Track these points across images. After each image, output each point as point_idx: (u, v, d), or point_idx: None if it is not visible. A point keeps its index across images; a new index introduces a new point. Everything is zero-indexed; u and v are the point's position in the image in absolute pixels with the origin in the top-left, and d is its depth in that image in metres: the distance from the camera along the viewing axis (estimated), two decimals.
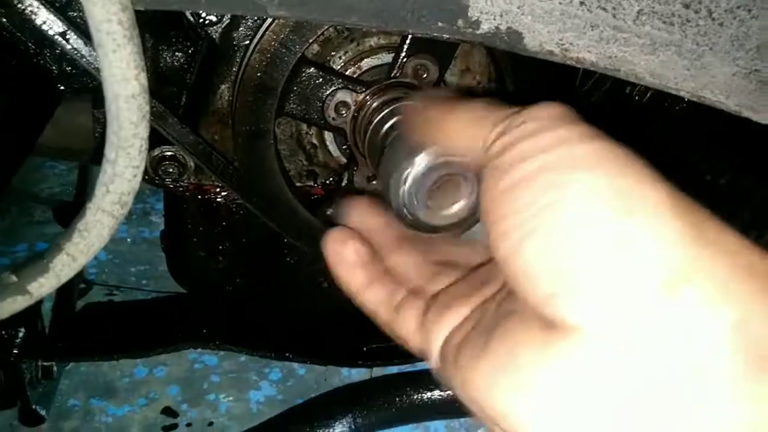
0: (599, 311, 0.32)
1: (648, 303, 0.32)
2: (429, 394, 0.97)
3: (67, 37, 0.61)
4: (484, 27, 0.55)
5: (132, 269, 2.16)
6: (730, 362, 0.30)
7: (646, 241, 0.32)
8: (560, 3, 0.54)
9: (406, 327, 0.47)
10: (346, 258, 0.50)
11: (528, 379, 0.34)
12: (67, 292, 1.19)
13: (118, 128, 0.43)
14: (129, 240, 2.37)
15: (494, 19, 0.54)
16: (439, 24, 0.54)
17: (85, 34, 0.63)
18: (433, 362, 0.45)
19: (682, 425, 0.31)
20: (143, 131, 0.44)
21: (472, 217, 0.51)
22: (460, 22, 0.54)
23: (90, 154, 1.52)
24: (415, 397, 0.97)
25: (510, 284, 0.37)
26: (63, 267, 0.45)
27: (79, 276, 1.31)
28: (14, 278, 0.43)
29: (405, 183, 0.48)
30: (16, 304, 0.43)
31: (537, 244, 0.34)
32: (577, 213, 0.34)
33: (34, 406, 0.91)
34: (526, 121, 0.39)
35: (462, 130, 0.43)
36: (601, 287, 0.32)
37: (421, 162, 0.48)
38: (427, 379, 0.98)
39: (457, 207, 0.50)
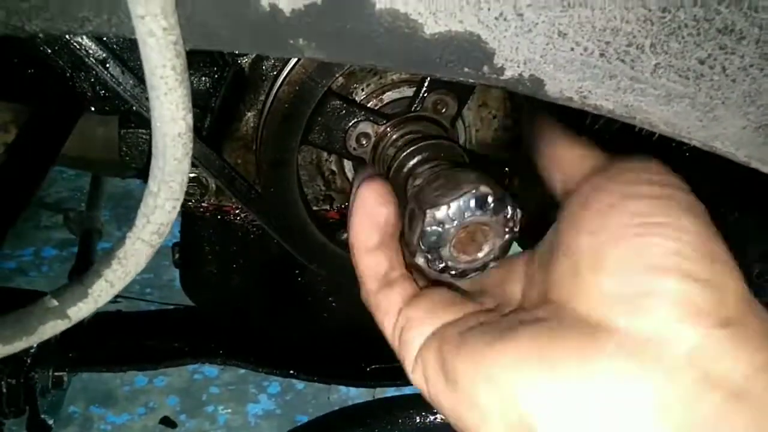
0: (660, 324, 0.37)
1: (700, 329, 0.36)
2: (432, 417, 0.98)
3: (107, 65, 0.64)
4: (508, 73, 0.57)
5: (137, 277, 2.17)
6: (762, 382, 0.35)
7: (714, 283, 0.38)
8: (581, 54, 0.56)
9: (387, 304, 0.49)
10: (371, 210, 0.50)
11: (563, 380, 0.37)
12: None
13: (163, 164, 0.45)
14: None
15: (518, 67, 0.57)
16: (466, 69, 0.56)
17: (123, 62, 0.66)
18: (406, 348, 0.46)
19: None
20: (185, 167, 0.47)
21: (493, 262, 0.53)
22: (485, 68, 0.56)
23: (105, 166, 1.55)
24: (418, 420, 0.98)
25: (567, 298, 0.41)
26: (101, 293, 0.47)
27: None
28: (55, 302, 0.45)
29: (438, 225, 0.50)
30: (57, 327, 0.45)
31: (632, 252, 0.39)
32: (671, 243, 0.40)
33: (42, 416, 0.92)
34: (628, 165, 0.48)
35: (569, 157, 0.51)
36: (667, 305, 0.37)
37: (458, 207, 0.49)
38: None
39: (483, 253, 0.52)
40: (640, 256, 0.39)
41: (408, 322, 0.47)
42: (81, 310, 0.46)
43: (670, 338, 0.36)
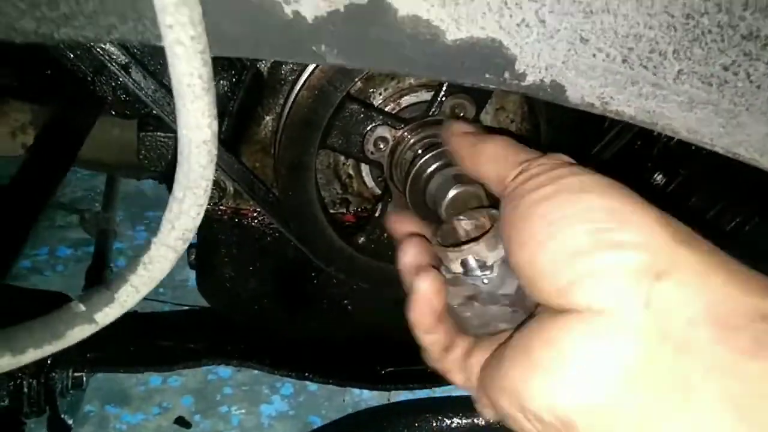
0: (606, 295, 0.41)
1: (641, 289, 0.41)
2: (448, 421, 0.98)
3: (129, 70, 0.64)
4: (529, 79, 0.57)
5: None
6: (704, 332, 0.39)
7: (638, 244, 0.42)
8: (603, 60, 0.56)
9: (451, 365, 0.58)
10: (429, 300, 0.56)
11: (538, 360, 0.44)
12: None
13: (188, 170, 0.46)
14: None
15: (539, 72, 0.57)
16: (487, 75, 0.56)
17: (144, 67, 0.66)
18: (474, 395, 0.55)
19: (673, 388, 0.39)
20: (210, 173, 0.47)
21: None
22: (506, 74, 0.56)
23: (121, 167, 1.56)
24: (434, 424, 0.98)
25: (527, 288, 0.47)
26: (127, 297, 0.48)
27: None
28: (83, 308, 0.46)
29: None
30: (84, 332, 0.45)
31: (556, 247, 0.44)
32: (586, 224, 0.44)
33: (62, 416, 0.93)
34: (543, 161, 0.52)
35: (490, 162, 0.55)
36: (607, 277, 0.42)
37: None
38: (448, 406, 0.99)
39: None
40: (564, 247, 0.44)
41: (470, 373, 0.55)
42: (108, 315, 0.46)
43: (620, 305, 0.41)
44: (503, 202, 0.51)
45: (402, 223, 0.65)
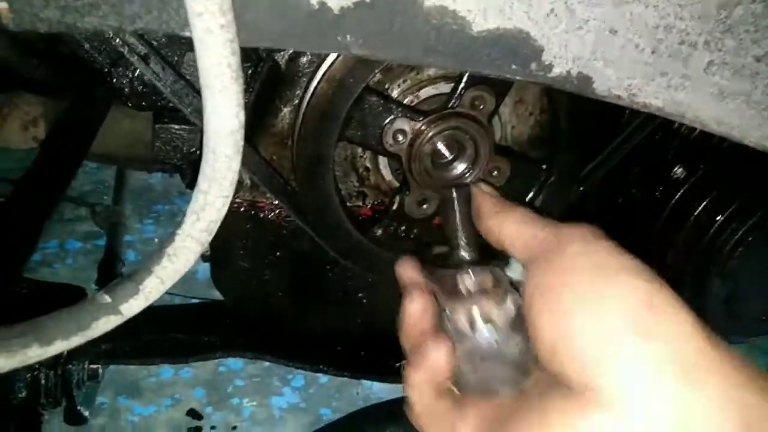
0: (631, 381, 0.41)
1: (665, 382, 0.40)
2: None
3: (148, 61, 0.64)
4: (556, 71, 0.56)
5: None
6: None
7: (669, 337, 0.42)
8: (632, 51, 0.55)
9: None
10: (440, 368, 0.55)
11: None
12: None
13: (214, 161, 0.45)
14: (156, 241, 2.41)
15: (566, 64, 0.56)
16: (513, 66, 0.55)
17: (164, 58, 0.66)
18: None
19: None
20: (236, 164, 0.46)
21: None
22: (533, 66, 0.56)
23: (131, 160, 1.55)
24: None
25: (545, 354, 0.46)
26: (152, 289, 0.47)
27: None
28: (108, 299, 0.45)
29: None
30: (110, 323, 0.45)
31: (588, 323, 0.43)
32: (622, 308, 0.44)
33: (78, 407, 0.93)
34: (576, 230, 0.50)
35: (518, 224, 0.54)
36: (634, 364, 0.41)
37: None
38: None
39: None
40: (595, 324, 0.43)
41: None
42: (133, 306, 0.46)
43: (637, 393, 0.41)
44: (530, 266, 0.51)
45: (409, 270, 0.65)
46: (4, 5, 0.43)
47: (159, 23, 0.48)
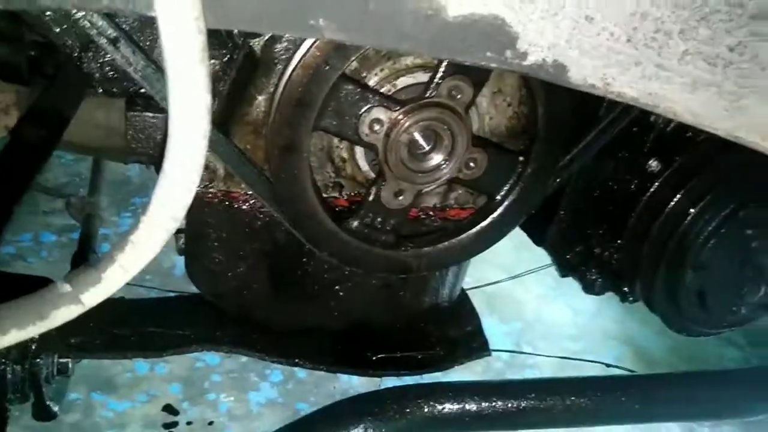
0: None
1: None
2: (440, 407, 0.97)
3: (118, 44, 0.62)
4: (531, 59, 0.56)
5: None
6: None
7: None
8: (607, 39, 0.55)
9: None
10: None
11: None
12: None
13: (179, 144, 0.44)
14: None
15: (541, 52, 0.55)
16: (488, 54, 0.55)
17: (134, 43, 0.64)
18: None
19: None
20: (202, 148, 0.45)
21: None
22: (508, 53, 0.55)
23: (108, 151, 1.52)
24: (426, 410, 0.98)
25: None
26: (115, 278, 0.46)
27: None
28: (68, 288, 0.44)
29: None
30: (70, 313, 0.44)
31: None
32: None
33: (48, 402, 0.91)
34: None
35: None
36: None
37: None
38: (439, 392, 0.99)
39: None
40: None
41: None
42: (95, 296, 0.44)
43: None
44: None
45: None
46: None
47: (125, 2, 0.46)
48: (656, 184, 0.93)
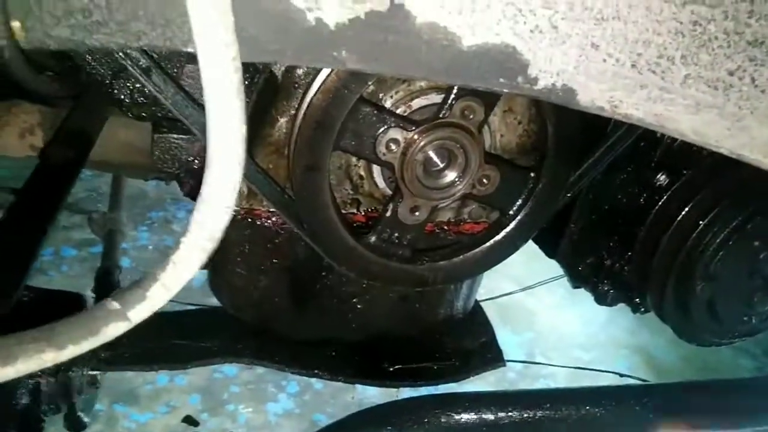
0: None
1: None
2: (457, 417, 1.00)
3: (150, 74, 0.66)
4: (541, 83, 0.59)
5: None
6: None
7: None
8: (613, 65, 0.58)
9: None
10: None
11: None
12: None
13: (216, 172, 0.48)
14: (151, 247, 2.42)
15: (551, 77, 0.59)
16: (501, 80, 0.58)
17: (165, 72, 0.68)
18: None
19: None
20: (238, 176, 0.49)
21: None
22: (519, 79, 0.58)
23: (128, 168, 1.57)
24: (443, 420, 1.00)
25: None
26: (158, 295, 0.49)
27: (116, 286, 1.35)
28: (117, 305, 0.47)
29: None
30: (118, 329, 0.47)
31: None
32: None
33: (78, 413, 0.95)
34: None
35: None
36: None
37: None
38: (456, 403, 1.01)
39: None
40: None
41: None
42: (140, 313, 0.48)
43: None
44: None
45: None
46: (16, 24, 0.45)
47: (163, 40, 0.50)
48: (665, 197, 0.96)
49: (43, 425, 0.88)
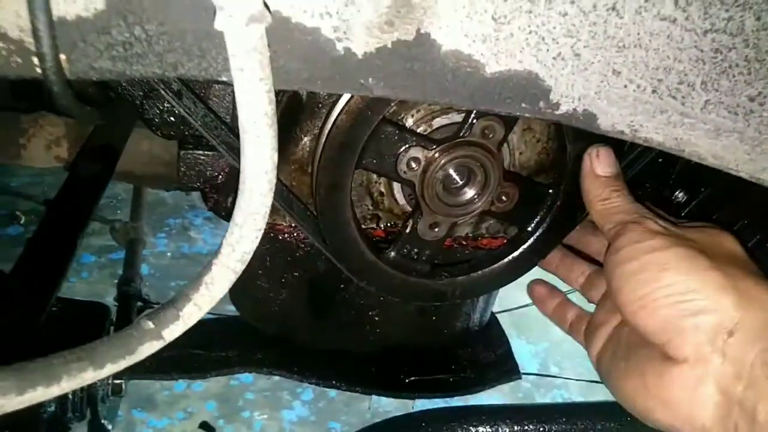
0: (694, 352, 0.60)
1: (717, 345, 0.59)
2: (474, 430, 1.01)
3: (181, 97, 0.68)
4: (563, 108, 0.60)
5: (172, 283, 2.24)
6: (761, 371, 0.56)
7: (709, 310, 0.60)
8: (634, 90, 0.59)
9: (577, 337, 0.88)
10: (538, 296, 0.95)
11: (653, 394, 0.63)
12: (125, 311, 1.26)
13: (249, 198, 0.49)
14: (169, 254, 2.45)
15: (572, 102, 0.60)
16: (523, 105, 0.60)
17: (195, 94, 0.70)
18: (593, 360, 0.79)
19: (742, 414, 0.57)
20: (269, 201, 0.50)
21: None
22: (541, 104, 0.60)
23: (150, 179, 1.60)
24: None
25: (633, 326, 0.66)
26: (190, 315, 0.51)
27: (137, 295, 1.38)
28: (152, 325, 0.49)
29: None
30: (152, 347, 0.49)
31: (649, 313, 0.63)
32: (668, 299, 0.62)
33: (103, 421, 0.97)
34: (632, 231, 0.69)
35: (602, 215, 0.76)
36: (691, 337, 0.60)
37: None
38: (472, 415, 1.02)
39: None
40: (657, 314, 0.62)
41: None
42: (173, 331, 0.50)
43: (704, 358, 0.60)
44: (607, 254, 0.71)
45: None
46: (63, 56, 0.47)
47: (199, 70, 0.52)
48: (682, 214, 0.96)
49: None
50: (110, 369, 0.45)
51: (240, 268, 0.52)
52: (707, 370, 0.59)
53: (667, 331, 0.61)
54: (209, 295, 0.52)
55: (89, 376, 0.43)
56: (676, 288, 0.61)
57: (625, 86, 0.59)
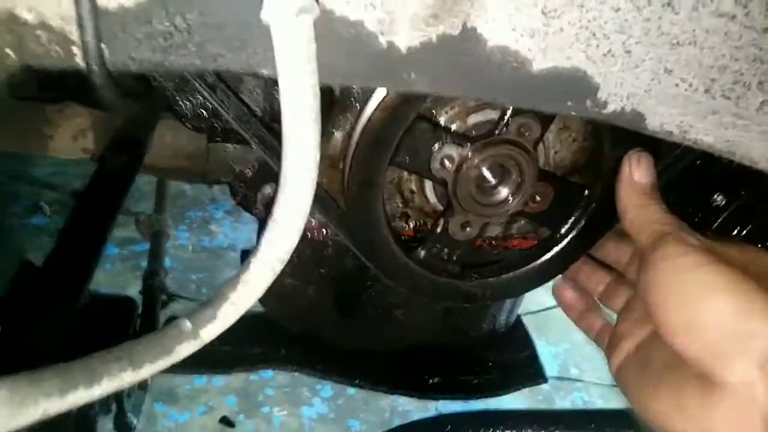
0: (741, 377, 0.55)
1: (765, 370, 0.55)
2: None
3: (215, 89, 0.67)
4: (611, 107, 0.58)
5: (192, 276, 2.24)
6: None
7: (761, 335, 0.56)
8: (685, 90, 0.57)
9: (602, 345, 0.83)
10: (566, 302, 0.91)
11: (690, 418, 0.59)
12: (151, 304, 1.26)
13: (290, 194, 0.48)
14: (190, 248, 2.46)
15: (621, 101, 0.58)
16: (569, 103, 0.58)
17: (228, 87, 0.69)
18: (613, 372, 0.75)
19: None
20: (310, 198, 0.49)
21: None
22: (588, 103, 0.58)
23: (175, 172, 1.60)
24: None
25: (672, 346, 0.61)
26: (228, 314, 0.50)
27: (162, 288, 1.38)
28: (189, 325, 0.48)
29: None
30: (190, 348, 0.48)
31: (694, 336, 0.59)
32: (721, 320, 0.57)
33: (128, 414, 0.97)
34: (672, 246, 0.65)
35: (636, 223, 0.73)
36: (741, 362, 0.56)
37: None
38: (498, 419, 1.00)
39: None
40: (706, 336, 0.58)
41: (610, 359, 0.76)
42: (211, 331, 0.49)
43: (750, 385, 0.55)
44: (642, 266, 0.66)
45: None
46: (104, 46, 0.46)
47: (239, 62, 0.51)
48: (721, 218, 0.93)
49: (95, 426, 0.91)
50: (148, 370, 0.44)
51: (279, 267, 0.51)
52: (754, 398, 0.55)
53: (714, 356, 0.57)
54: (247, 294, 0.51)
55: (128, 376, 0.42)
56: (723, 311, 0.57)
57: (677, 85, 0.57)
